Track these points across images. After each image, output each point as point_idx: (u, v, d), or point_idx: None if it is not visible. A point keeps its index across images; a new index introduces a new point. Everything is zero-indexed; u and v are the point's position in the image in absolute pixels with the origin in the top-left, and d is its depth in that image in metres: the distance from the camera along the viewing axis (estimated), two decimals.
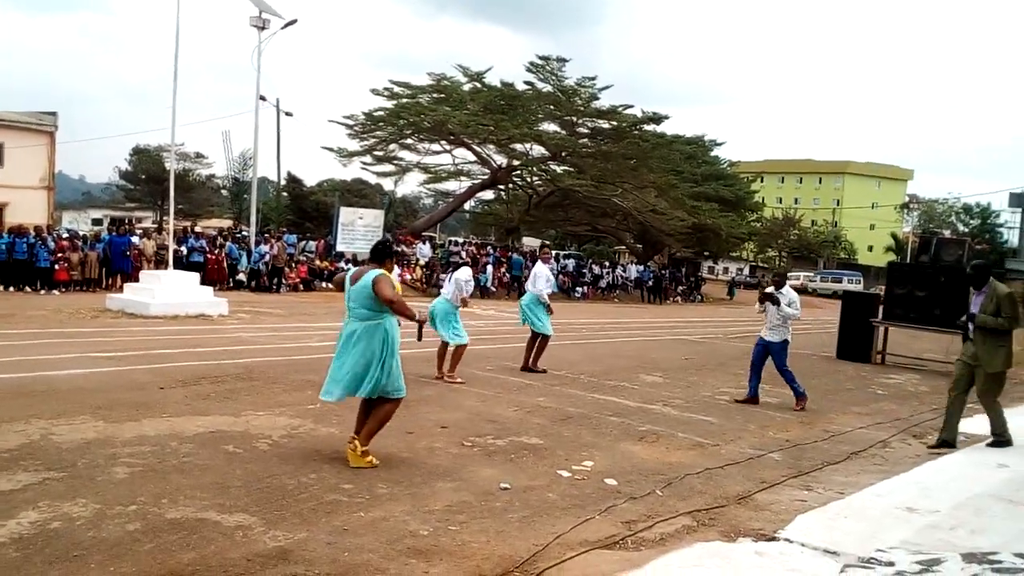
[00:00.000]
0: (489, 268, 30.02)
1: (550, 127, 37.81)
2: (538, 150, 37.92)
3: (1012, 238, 57.58)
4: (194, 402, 8.04)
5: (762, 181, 70.94)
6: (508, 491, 5.80)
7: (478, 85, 37.43)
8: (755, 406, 10.17)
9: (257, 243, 26.10)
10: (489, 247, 37.98)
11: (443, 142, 38.25)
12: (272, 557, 4.31)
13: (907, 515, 5.70)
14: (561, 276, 32.51)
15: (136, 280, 18.19)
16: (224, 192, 69.84)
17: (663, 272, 40.87)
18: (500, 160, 38.86)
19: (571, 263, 37.59)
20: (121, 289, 18.53)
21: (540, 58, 37.45)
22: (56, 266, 19.97)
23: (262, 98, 31.39)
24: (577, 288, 34.61)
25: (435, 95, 37.28)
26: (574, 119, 37.58)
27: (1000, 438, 8.16)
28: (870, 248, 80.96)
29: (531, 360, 11.62)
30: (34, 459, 5.76)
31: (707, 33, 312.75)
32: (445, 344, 10.43)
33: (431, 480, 5.93)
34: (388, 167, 40.21)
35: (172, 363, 10.28)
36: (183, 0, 16.23)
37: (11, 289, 19.40)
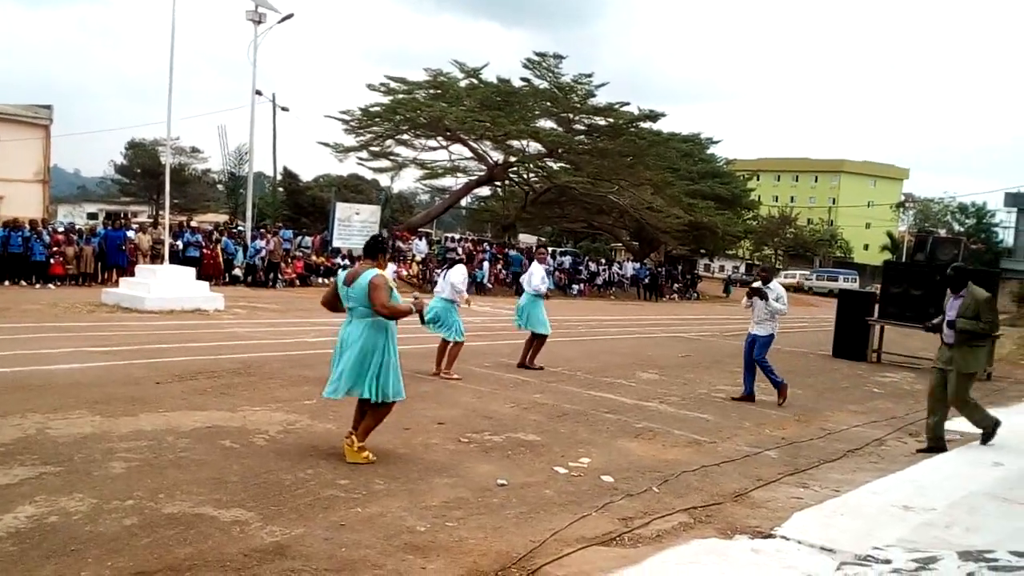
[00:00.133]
0: (485, 265, 30.01)
1: (547, 124, 37.84)
2: (535, 147, 37.94)
3: (1007, 238, 57.76)
4: (190, 397, 8.03)
5: (758, 179, 71.07)
6: (505, 487, 5.80)
7: (475, 81, 37.41)
8: (751, 404, 10.18)
9: (253, 238, 26.04)
10: (485, 244, 37.98)
11: (439, 138, 38.24)
12: (269, 552, 4.31)
13: (903, 513, 5.73)
14: (557, 273, 32.53)
15: (132, 275, 18.14)
16: (220, 187, 69.55)
17: (659, 269, 40.93)
18: (496, 156, 38.85)
19: (567, 260, 37.61)
20: (117, 284, 18.48)
21: (537, 54, 37.46)
22: (51, 260, 19.93)
23: (258, 93, 31.33)
24: (573, 285, 34.62)
25: (432, 91, 37.25)
26: (571, 116, 37.59)
27: (988, 431, 8.18)
28: (866, 247, 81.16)
29: (528, 357, 11.62)
30: (30, 453, 5.75)
31: (705, 31, 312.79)
32: (445, 341, 10.41)
33: (428, 476, 5.93)
34: (384, 163, 40.25)
35: (168, 358, 10.27)
36: None
37: (6, 283, 19.33)
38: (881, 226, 76.49)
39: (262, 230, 27.01)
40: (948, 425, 8.24)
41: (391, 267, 9.50)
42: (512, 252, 33.45)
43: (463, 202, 46.91)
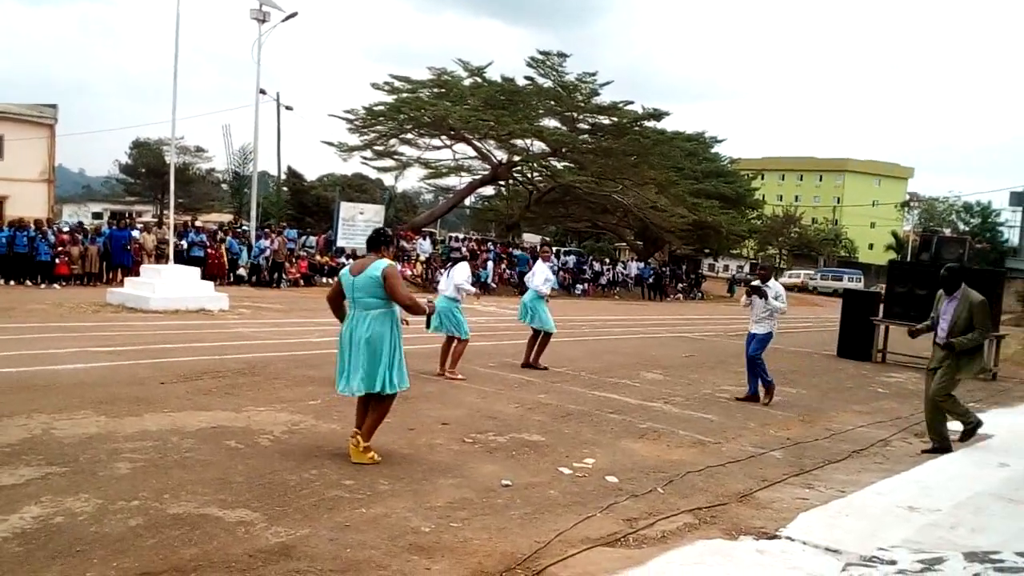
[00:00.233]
0: (490, 264, 30.01)
1: (551, 123, 37.81)
2: (539, 146, 37.91)
3: (1012, 237, 57.73)
4: (195, 397, 8.04)
5: (762, 178, 70.91)
6: (509, 488, 5.80)
7: (479, 80, 37.39)
8: (755, 404, 10.17)
9: (258, 238, 26.08)
10: (489, 243, 37.97)
11: (443, 137, 38.22)
12: (274, 553, 4.32)
13: (908, 514, 5.72)
14: (562, 273, 32.52)
15: (136, 274, 18.18)
16: (224, 186, 69.78)
17: (663, 269, 40.89)
18: (500, 156, 38.84)
19: (571, 260, 37.60)
20: (121, 283, 18.50)
21: (541, 53, 37.41)
22: (56, 260, 19.98)
23: (262, 92, 31.40)
24: (577, 285, 34.61)
25: (435, 90, 37.24)
26: (575, 115, 37.55)
27: (970, 426, 8.09)
28: (870, 246, 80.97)
29: (532, 357, 11.62)
30: (36, 454, 5.76)
31: (708, 29, 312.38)
32: (449, 342, 10.41)
33: (432, 476, 5.93)
34: (388, 162, 40.20)
35: (173, 358, 10.29)
36: None
37: (11, 283, 19.39)
38: (886, 225, 76.37)
39: (266, 230, 27.04)
40: (953, 426, 8.21)
41: (396, 266, 9.49)
42: (519, 252, 33.44)
43: (467, 201, 46.94)
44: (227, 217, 49.99)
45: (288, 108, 40.10)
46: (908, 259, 32.65)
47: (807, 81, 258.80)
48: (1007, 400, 12.41)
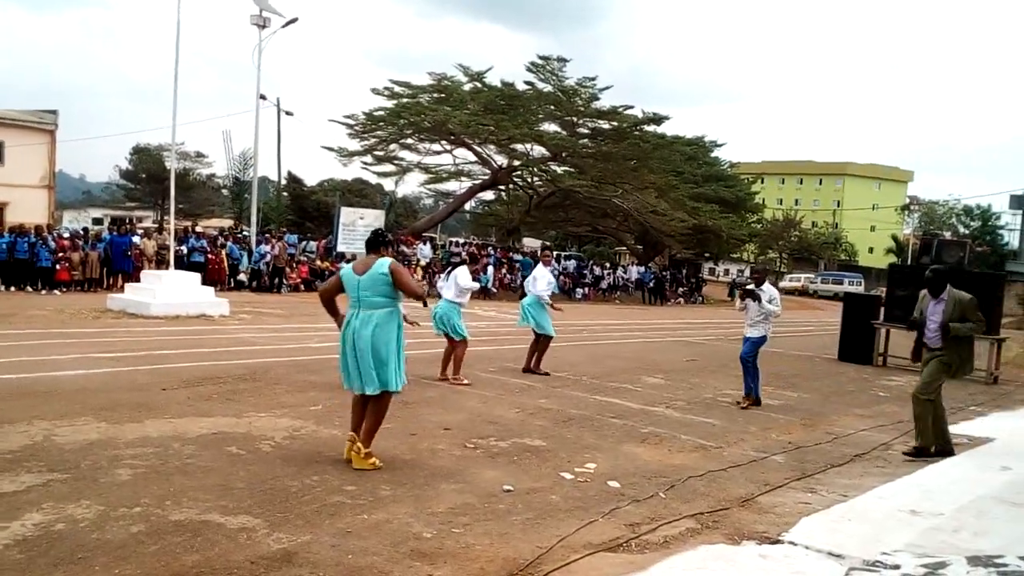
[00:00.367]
0: (490, 269, 30.00)
1: (550, 127, 37.85)
2: (538, 150, 37.95)
3: (1013, 240, 57.64)
4: (196, 403, 8.03)
5: (762, 182, 70.88)
6: (511, 493, 5.79)
7: (479, 85, 37.44)
8: (757, 408, 10.15)
9: (258, 243, 26.10)
10: (490, 248, 37.98)
11: (443, 142, 38.27)
12: (276, 559, 4.31)
13: (910, 518, 5.71)
14: (562, 277, 32.51)
15: (137, 280, 18.19)
16: (225, 192, 69.85)
17: (664, 273, 40.89)
18: (500, 160, 38.90)
19: (572, 264, 37.60)
20: (122, 289, 18.53)
21: (540, 58, 37.52)
22: (57, 266, 19.98)
23: (262, 97, 31.46)
24: (578, 289, 34.60)
25: (436, 95, 37.29)
26: (574, 119, 37.60)
27: (923, 447, 7.84)
28: (871, 250, 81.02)
29: (533, 362, 11.61)
30: (37, 460, 5.75)
31: (708, 33, 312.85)
32: (451, 346, 10.40)
33: (434, 482, 5.92)
34: (389, 167, 40.29)
35: (174, 364, 10.28)
36: None
37: (12, 289, 19.40)
38: (886, 229, 76.39)
39: (267, 235, 27.06)
40: (955, 429, 8.20)
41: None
42: (522, 257, 33.44)
43: (467, 206, 46.90)
44: (227, 222, 50.00)
45: (288, 113, 40.17)
46: (908, 262, 32.67)
47: (807, 85, 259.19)
48: (1008, 403, 12.40)
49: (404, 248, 30.33)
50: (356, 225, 29.73)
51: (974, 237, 55.03)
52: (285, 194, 45.95)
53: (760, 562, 4.70)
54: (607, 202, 38.93)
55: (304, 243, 29.27)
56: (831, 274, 62.16)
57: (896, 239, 70.55)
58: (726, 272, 67.47)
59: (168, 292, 16.15)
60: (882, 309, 16.86)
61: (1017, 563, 4.67)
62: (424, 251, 31.73)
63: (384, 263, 6.04)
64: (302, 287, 25.19)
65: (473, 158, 39.32)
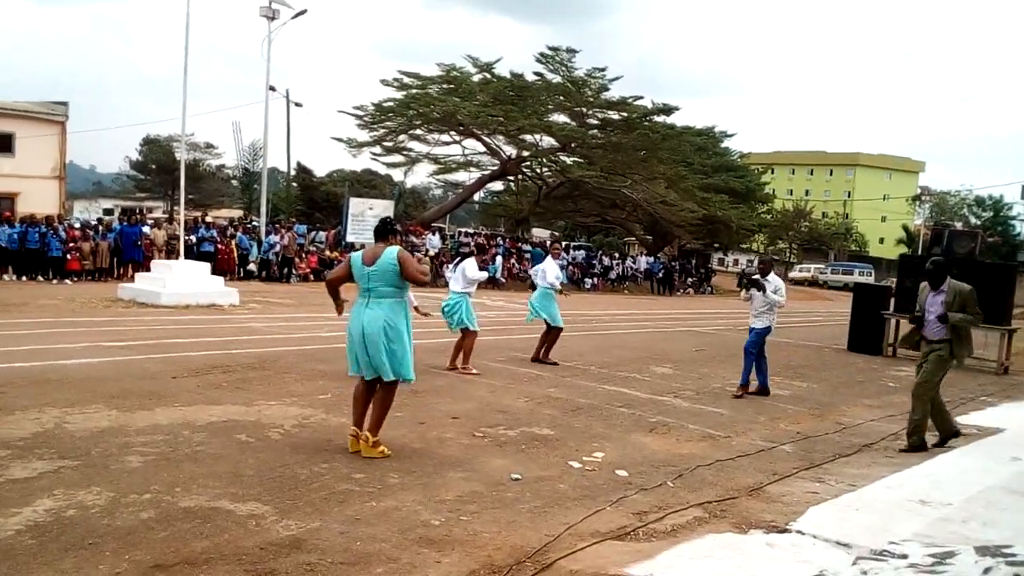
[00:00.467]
0: (499, 259, 30.01)
1: (560, 118, 37.71)
2: (548, 141, 37.83)
3: None
4: (206, 391, 8.07)
5: (773, 173, 70.61)
6: (519, 482, 5.81)
7: (488, 76, 37.32)
8: (765, 397, 10.15)
9: (267, 233, 26.17)
10: (499, 238, 37.97)
11: (452, 133, 38.20)
12: (285, 546, 4.33)
13: (919, 508, 5.69)
14: (571, 267, 32.49)
15: (147, 270, 18.28)
16: (234, 182, 69.98)
17: (673, 264, 40.83)
18: (510, 151, 38.81)
19: (581, 254, 37.56)
20: (132, 279, 18.60)
21: (550, 49, 37.30)
22: (68, 256, 20.09)
23: (272, 88, 31.49)
24: (587, 280, 34.58)
25: (445, 86, 37.20)
26: (584, 110, 37.46)
27: (915, 442, 7.76)
28: (881, 240, 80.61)
29: (543, 352, 11.62)
30: (49, 447, 5.80)
31: (719, 24, 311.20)
32: (461, 336, 10.42)
33: (442, 470, 5.94)
34: (398, 158, 40.21)
35: (184, 352, 10.33)
36: None
37: (24, 278, 19.52)
38: (897, 219, 75.97)
39: (276, 225, 27.14)
40: (965, 419, 8.18)
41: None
42: (534, 248, 33.41)
43: (476, 197, 46.82)
44: (237, 213, 50.03)
45: (298, 104, 40.10)
46: (919, 253, 32.49)
47: (818, 75, 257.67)
48: (1019, 394, 12.34)
49: (413, 238, 30.35)
50: (365, 215, 29.71)
51: (985, 228, 54.86)
52: (295, 185, 46.02)
53: (767, 551, 4.70)
54: (616, 193, 38.83)
55: (313, 233, 29.31)
56: (841, 264, 61.89)
57: (907, 229, 70.16)
58: (735, 263, 67.22)
59: (178, 282, 16.22)
60: (892, 300, 16.79)
61: None
62: (433, 241, 31.74)
63: (393, 252, 6.05)
64: (311, 277, 25.25)
65: (482, 149, 39.25)
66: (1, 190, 32.65)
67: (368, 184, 51.43)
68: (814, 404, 10.09)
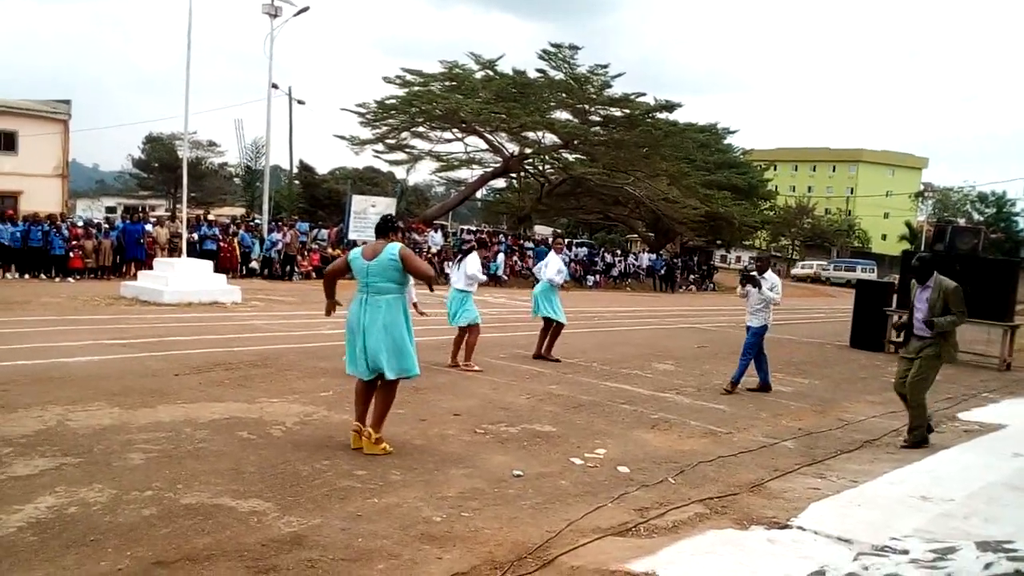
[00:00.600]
0: (501, 256, 29.99)
1: (562, 115, 37.68)
2: (550, 138, 37.83)
3: None
4: (208, 389, 8.08)
5: (775, 169, 70.47)
6: (521, 478, 5.81)
7: (490, 73, 37.31)
8: (767, 394, 10.15)
9: (270, 231, 26.17)
10: (501, 235, 37.96)
11: (455, 130, 38.20)
12: (287, 542, 4.34)
13: (920, 504, 5.69)
14: (573, 264, 32.47)
15: (150, 268, 18.29)
16: (237, 180, 70.10)
17: (675, 261, 40.80)
18: (512, 148, 38.81)
19: (583, 252, 37.54)
20: (135, 277, 18.63)
21: (552, 46, 37.28)
22: (71, 254, 20.10)
23: (274, 86, 31.50)
24: (589, 276, 34.57)
25: (447, 83, 37.19)
26: (586, 107, 37.43)
27: (919, 435, 7.72)
28: (884, 237, 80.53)
29: (545, 349, 11.63)
30: (51, 445, 5.81)
31: (721, 22, 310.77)
32: (462, 332, 10.42)
33: (444, 467, 5.95)
34: (400, 155, 40.25)
35: (186, 350, 10.34)
36: None
37: (26, 276, 19.54)
38: (899, 216, 75.84)
39: (278, 223, 27.13)
40: (967, 415, 8.18)
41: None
42: (537, 245, 33.40)
43: (479, 194, 46.83)
44: (239, 211, 50.11)
45: (300, 102, 40.21)
46: (922, 249, 32.45)
47: (821, 72, 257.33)
48: (1021, 390, 12.33)
49: (415, 236, 30.35)
50: (367, 213, 29.73)
51: (988, 224, 54.66)
52: (297, 182, 46.06)
53: (768, 546, 4.70)
54: (619, 189, 38.81)
55: (316, 231, 29.33)
56: (844, 261, 61.84)
57: (910, 226, 70.05)
58: (738, 259, 67.15)
59: (180, 280, 16.23)
60: (895, 296, 16.77)
61: None
62: (435, 239, 31.73)
63: (393, 248, 6.05)
64: (314, 275, 25.22)
65: (484, 146, 39.25)
66: (4, 188, 32.73)
67: (370, 182, 51.41)
68: (816, 400, 10.09)
